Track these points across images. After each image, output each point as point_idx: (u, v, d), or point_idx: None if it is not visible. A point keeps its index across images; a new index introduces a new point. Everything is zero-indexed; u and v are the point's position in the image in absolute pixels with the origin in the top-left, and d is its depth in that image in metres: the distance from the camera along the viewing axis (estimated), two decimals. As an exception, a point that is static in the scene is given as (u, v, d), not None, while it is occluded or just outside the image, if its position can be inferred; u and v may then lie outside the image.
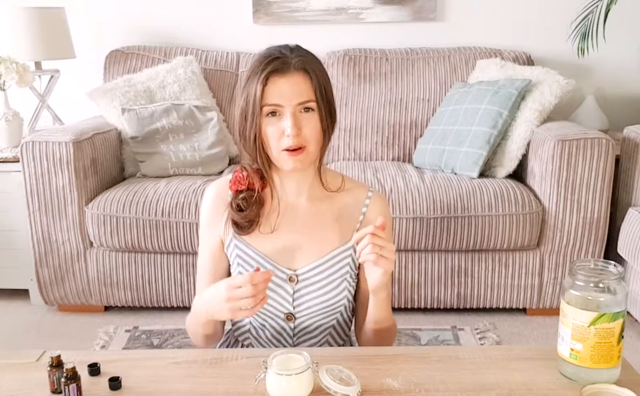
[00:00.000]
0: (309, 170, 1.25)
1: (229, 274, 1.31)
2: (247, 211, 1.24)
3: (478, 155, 2.45)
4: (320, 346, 1.30)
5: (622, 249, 2.35)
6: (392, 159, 2.84)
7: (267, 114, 1.17)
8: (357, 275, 1.31)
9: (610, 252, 2.43)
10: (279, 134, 1.17)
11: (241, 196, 1.25)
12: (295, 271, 1.24)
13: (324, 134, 1.21)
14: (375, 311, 1.23)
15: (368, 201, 1.29)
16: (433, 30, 3.10)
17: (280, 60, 1.16)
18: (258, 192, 1.25)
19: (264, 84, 1.15)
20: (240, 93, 1.21)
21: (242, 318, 1.11)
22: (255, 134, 1.18)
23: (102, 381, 1.07)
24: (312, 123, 1.18)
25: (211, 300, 1.16)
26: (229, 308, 1.11)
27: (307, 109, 1.17)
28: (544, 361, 1.11)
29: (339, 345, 1.33)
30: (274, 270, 1.24)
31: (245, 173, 1.26)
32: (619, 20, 2.87)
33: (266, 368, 1.02)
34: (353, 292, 1.31)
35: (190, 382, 1.07)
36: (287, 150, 1.17)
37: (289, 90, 1.16)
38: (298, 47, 1.21)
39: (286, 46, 1.20)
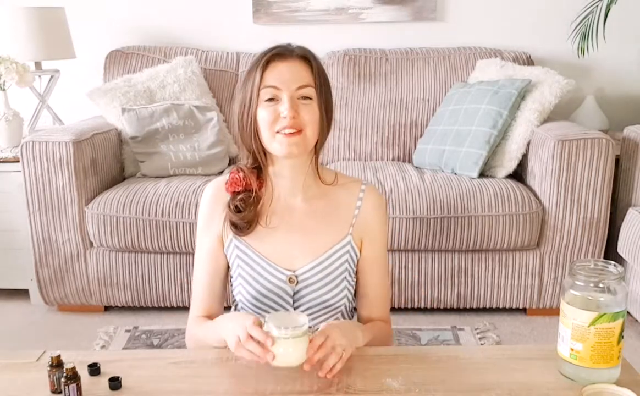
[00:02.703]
0: (302, 165, 1.24)
1: (227, 275, 1.31)
2: (246, 212, 1.23)
3: (478, 155, 2.45)
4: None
5: (622, 249, 2.35)
6: (392, 159, 2.84)
7: (265, 99, 1.17)
8: (356, 271, 1.31)
9: (610, 252, 2.43)
10: (274, 117, 1.17)
11: (239, 197, 1.25)
12: (294, 271, 1.24)
13: (321, 124, 1.20)
14: None
15: (362, 195, 1.29)
16: (433, 30, 3.09)
17: (282, 47, 1.19)
18: (255, 192, 1.25)
19: (264, 68, 1.17)
20: (241, 86, 1.22)
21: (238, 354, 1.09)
22: (252, 118, 1.19)
23: (102, 381, 1.07)
24: (310, 109, 1.18)
25: (229, 322, 1.14)
26: (235, 345, 1.06)
27: (306, 98, 1.18)
28: (544, 361, 1.11)
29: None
30: (273, 271, 1.24)
31: (241, 174, 1.25)
32: (619, 20, 2.86)
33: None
34: (353, 291, 1.31)
35: (190, 382, 1.07)
36: (282, 134, 1.16)
37: (289, 74, 1.17)
38: (300, 46, 1.23)
39: (288, 44, 1.22)
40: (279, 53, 1.18)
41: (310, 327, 1.05)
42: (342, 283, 1.26)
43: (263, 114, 1.18)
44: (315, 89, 1.19)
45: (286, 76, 1.17)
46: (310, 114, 1.18)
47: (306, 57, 1.20)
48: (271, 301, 1.25)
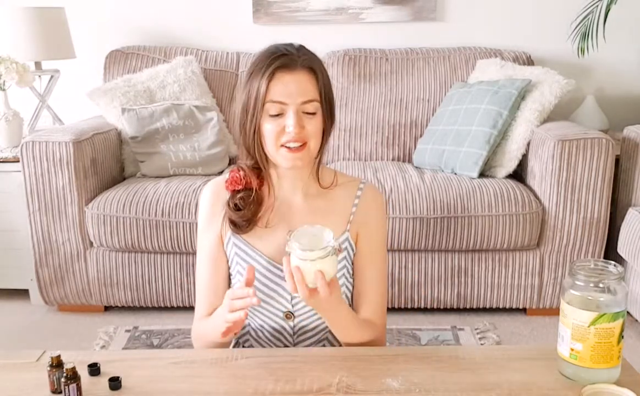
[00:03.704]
0: (304, 170, 1.25)
1: (229, 272, 1.31)
2: (245, 210, 1.24)
3: (478, 155, 2.45)
4: (321, 345, 1.30)
5: (622, 249, 2.35)
6: (392, 159, 2.84)
7: (270, 114, 1.17)
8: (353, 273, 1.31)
9: (610, 252, 2.43)
10: (279, 131, 1.17)
11: (239, 195, 1.25)
12: None
13: (324, 133, 1.22)
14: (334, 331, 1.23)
15: (360, 193, 1.29)
16: (433, 30, 3.09)
17: (287, 57, 1.17)
18: (256, 191, 1.25)
19: (270, 79, 1.15)
20: (243, 88, 1.21)
21: (231, 323, 1.13)
22: (255, 128, 1.18)
23: (102, 381, 1.07)
24: (314, 121, 1.18)
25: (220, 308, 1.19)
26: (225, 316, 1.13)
27: (311, 112, 1.17)
28: (544, 361, 1.11)
29: (340, 345, 1.32)
30: (271, 269, 1.24)
31: (242, 173, 1.26)
32: (619, 20, 2.86)
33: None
34: (351, 289, 1.31)
35: (190, 382, 1.07)
36: (287, 148, 1.17)
37: (295, 87, 1.16)
38: (302, 47, 1.22)
39: (291, 44, 1.21)
40: (285, 64, 1.16)
41: (338, 246, 1.07)
42: (340, 280, 1.25)
43: (268, 127, 1.18)
44: (320, 102, 1.19)
45: (292, 90, 1.16)
46: (314, 126, 1.18)
47: (312, 68, 1.18)
48: (270, 298, 1.25)
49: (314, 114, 1.18)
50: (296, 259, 1.06)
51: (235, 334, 1.20)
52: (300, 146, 1.17)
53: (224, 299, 1.14)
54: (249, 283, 1.11)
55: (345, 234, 1.26)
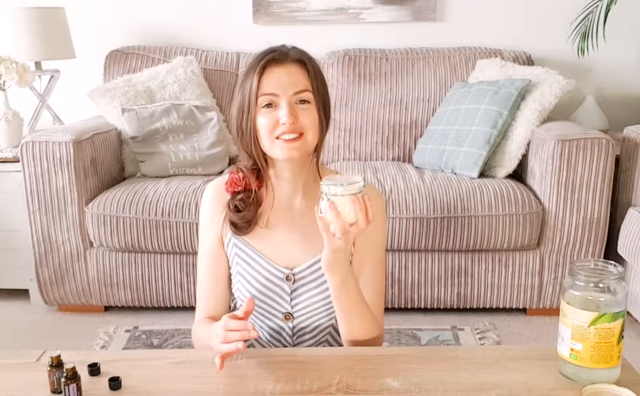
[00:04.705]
0: (302, 166, 1.24)
1: (229, 274, 1.31)
2: (245, 212, 1.24)
3: (478, 155, 2.45)
4: (321, 346, 1.30)
5: (622, 249, 2.35)
6: (392, 159, 2.84)
7: (263, 106, 1.17)
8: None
9: (610, 252, 2.43)
10: (273, 124, 1.17)
11: (238, 197, 1.25)
12: (292, 269, 1.24)
13: (321, 126, 1.21)
14: (339, 320, 1.21)
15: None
16: (433, 30, 3.10)
17: (277, 52, 1.19)
18: (255, 192, 1.25)
19: (261, 74, 1.17)
20: (237, 91, 1.22)
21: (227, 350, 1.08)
22: (251, 126, 1.19)
23: (102, 381, 1.07)
24: (309, 113, 1.18)
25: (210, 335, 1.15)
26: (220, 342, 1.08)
27: (304, 101, 1.18)
28: (544, 361, 1.11)
29: (339, 345, 1.33)
30: (271, 269, 1.24)
31: (241, 174, 1.26)
32: (619, 20, 2.87)
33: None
34: None
35: (190, 382, 1.07)
36: (283, 139, 1.17)
37: (286, 79, 1.17)
38: (294, 47, 1.23)
39: (283, 45, 1.22)
40: (275, 58, 1.18)
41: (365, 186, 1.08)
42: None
43: (262, 121, 1.18)
44: (313, 93, 1.19)
45: (283, 82, 1.17)
46: (309, 118, 1.18)
47: (302, 61, 1.19)
48: (269, 299, 1.25)
49: (307, 103, 1.18)
50: (327, 202, 1.05)
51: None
52: (296, 137, 1.17)
53: (217, 329, 1.09)
54: (247, 314, 1.10)
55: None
